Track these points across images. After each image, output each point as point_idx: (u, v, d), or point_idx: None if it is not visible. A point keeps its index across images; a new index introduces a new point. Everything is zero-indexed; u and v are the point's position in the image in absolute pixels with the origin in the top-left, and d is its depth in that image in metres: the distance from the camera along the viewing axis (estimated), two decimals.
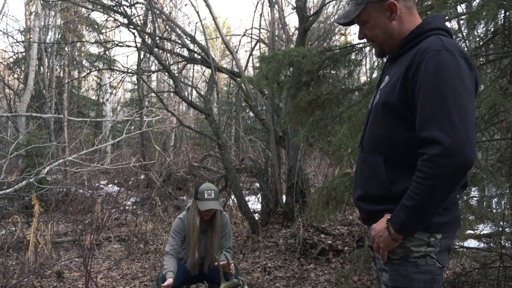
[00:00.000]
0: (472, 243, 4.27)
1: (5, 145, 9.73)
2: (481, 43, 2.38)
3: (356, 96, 3.36)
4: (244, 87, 5.41)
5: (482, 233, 4.26)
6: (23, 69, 13.66)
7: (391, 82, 1.44)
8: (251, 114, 15.05)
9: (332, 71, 2.84)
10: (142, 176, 9.30)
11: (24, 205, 6.42)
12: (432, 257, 1.38)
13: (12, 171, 8.86)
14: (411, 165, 1.35)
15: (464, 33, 2.33)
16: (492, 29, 2.38)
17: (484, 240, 4.28)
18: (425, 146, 1.29)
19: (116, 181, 9.46)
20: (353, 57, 2.72)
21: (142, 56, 7.28)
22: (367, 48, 2.80)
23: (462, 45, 2.38)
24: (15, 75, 14.41)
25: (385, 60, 1.73)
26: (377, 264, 1.68)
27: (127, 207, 7.07)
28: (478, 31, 2.43)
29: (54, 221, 5.61)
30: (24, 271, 3.82)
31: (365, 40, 1.65)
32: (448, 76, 1.28)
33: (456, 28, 2.41)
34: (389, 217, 1.40)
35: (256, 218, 5.24)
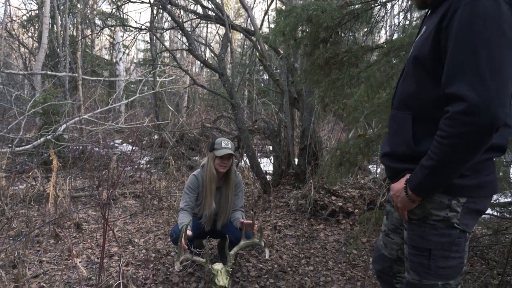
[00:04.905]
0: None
1: (23, 103, 9.85)
2: None
3: (375, 55, 3.28)
4: (259, 46, 5.31)
5: (496, 202, 4.25)
6: (36, 27, 13.60)
7: (426, 34, 1.34)
8: (265, 77, 14.89)
9: (352, 28, 2.75)
10: (156, 136, 9.39)
11: (43, 161, 6.59)
12: (452, 222, 1.34)
13: (30, 128, 9.03)
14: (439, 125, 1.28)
15: None
16: None
17: (497, 209, 4.27)
18: (449, 103, 1.20)
19: (130, 140, 9.59)
20: (375, 13, 2.62)
21: (155, 13, 7.15)
22: (389, 5, 2.70)
23: None
24: (29, 34, 14.37)
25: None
26: (388, 219, 1.70)
27: (141, 166, 7.20)
28: None
29: (71, 177, 5.75)
30: (45, 221, 3.97)
31: None
32: (483, 25, 1.15)
33: None
34: (407, 177, 1.37)
35: (268, 179, 5.29)
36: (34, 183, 5.25)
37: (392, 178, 1.51)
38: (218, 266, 2.77)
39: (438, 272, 1.38)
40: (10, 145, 6.55)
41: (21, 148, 6.30)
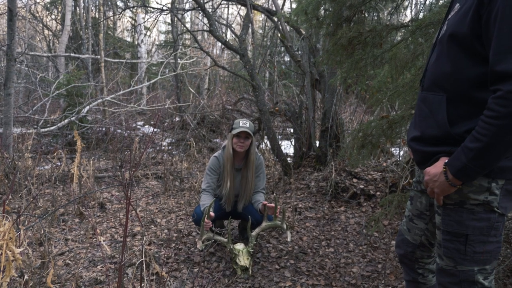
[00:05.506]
0: None
1: (47, 85, 10.07)
2: None
3: (399, 35, 3.17)
4: (280, 27, 5.22)
5: None
6: (59, 10, 13.77)
7: (462, 10, 1.26)
8: (286, 59, 14.69)
9: (376, 7, 2.65)
10: (177, 118, 9.47)
11: (67, 142, 6.75)
12: (492, 206, 1.28)
13: (55, 110, 9.25)
14: (476, 106, 1.23)
15: None
16: None
17: None
18: (500, 82, 1.13)
19: (152, 122, 9.71)
20: None
21: None
22: None
23: None
24: (53, 16, 14.57)
25: None
26: (413, 204, 1.66)
27: (163, 147, 7.29)
28: None
29: (95, 157, 5.87)
30: (70, 200, 4.08)
31: None
32: None
33: None
34: (446, 161, 1.29)
35: (289, 161, 5.27)
36: (59, 164, 5.39)
37: (422, 163, 1.44)
38: (239, 246, 2.80)
39: (475, 258, 1.33)
40: (35, 126, 6.73)
41: (46, 129, 6.46)
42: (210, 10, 6.71)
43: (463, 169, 1.23)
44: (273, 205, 2.88)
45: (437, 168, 1.33)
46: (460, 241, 1.34)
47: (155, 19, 6.41)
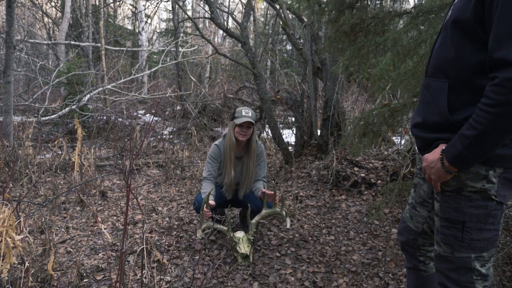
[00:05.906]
0: None
1: (47, 73, 10.02)
2: None
3: (401, 23, 3.13)
4: (282, 14, 5.16)
5: None
6: None
7: None
8: (288, 47, 14.59)
9: None
10: (178, 107, 9.43)
11: (68, 131, 6.74)
12: (489, 193, 1.28)
13: (55, 98, 9.23)
14: (478, 93, 1.21)
15: None
16: None
17: None
18: (498, 69, 1.13)
19: (153, 111, 9.68)
20: None
21: None
22: None
23: None
24: (52, 3, 14.44)
25: None
26: (416, 192, 1.65)
27: (164, 136, 7.28)
28: None
29: (96, 146, 5.86)
30: (71, 188, 4.09)
31: None
32: None
33: None
34: (444, 148, 1.29)
35: (290, 150, 5.26)
36: (60, 152, 5.39)
37: (423, 149, 1.44)
38: (239, 234, 2.80)
39: (472, 245, 1.33)
40: (36, 114, 6.72)
41: (46, 118, 6.45)
42: None
43: (458, 156, 1.23)
44: (272, 192, 2.88)
45: (434, 154, 1.33)
46: (457, 227, 1.34)
47: (156, 6, 6.35)
